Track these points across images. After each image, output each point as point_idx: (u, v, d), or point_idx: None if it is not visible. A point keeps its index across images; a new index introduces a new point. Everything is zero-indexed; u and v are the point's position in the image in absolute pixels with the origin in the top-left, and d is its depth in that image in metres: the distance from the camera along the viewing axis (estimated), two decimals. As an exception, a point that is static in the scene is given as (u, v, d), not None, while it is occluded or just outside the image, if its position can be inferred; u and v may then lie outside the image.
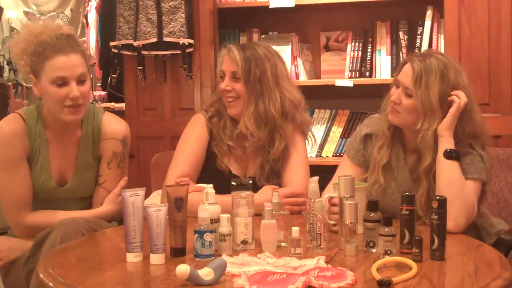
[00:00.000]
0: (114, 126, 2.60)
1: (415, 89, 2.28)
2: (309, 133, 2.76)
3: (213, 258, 1.84)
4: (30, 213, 2.47)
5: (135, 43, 3.73)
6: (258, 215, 2.02)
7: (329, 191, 2.27)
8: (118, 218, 2.56)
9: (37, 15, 6.23)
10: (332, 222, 2.11)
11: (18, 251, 2.45)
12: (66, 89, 2.37)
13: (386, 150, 2.41)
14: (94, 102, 4.80)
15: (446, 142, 2.26)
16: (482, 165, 2.29)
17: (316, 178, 2.06)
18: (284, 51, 3.69)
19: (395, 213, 2.02)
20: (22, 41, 2.45)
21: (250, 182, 2.10)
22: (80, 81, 2.40)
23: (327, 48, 3.86)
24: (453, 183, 2.20)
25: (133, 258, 1.87)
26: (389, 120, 2.37)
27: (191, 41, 3.69)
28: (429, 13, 3.49)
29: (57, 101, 2.39)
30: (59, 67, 2.36)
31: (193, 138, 2.64)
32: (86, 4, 6.06)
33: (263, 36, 3.86)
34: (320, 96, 3.72)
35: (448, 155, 2.24)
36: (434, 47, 3.45)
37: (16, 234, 2.52)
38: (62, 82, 2.37)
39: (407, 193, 1.93)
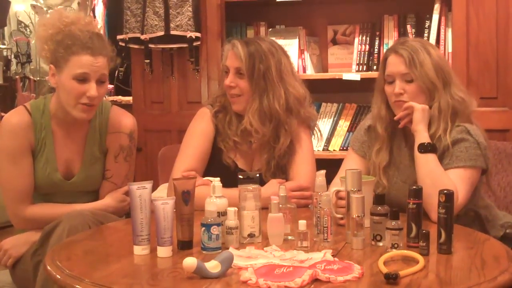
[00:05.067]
0: (121, 120, 2.60)
1: (412, 71, 2.33)
2: (315, 127, 2.76)
3: (220, 251, 1.84)
4: (30, 205, 2.49)
5: (142, 37, 3.73)
6: (265, 208, 2.02)
7: (336, 185, 2.27)
8: (119, 215, 2.56)
9: (45, 9, 6.23)
10: (339, 216, 2.10)
11: (24, 245, 2.46)
12: (85, 87, 2.38)
13: (385, 152, 2.43)
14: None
15: (420, 137, 2.30)
16: (479, 152, 2.29)
17: (323, 171, 2.06)
18: (291, 44, 3.69)
19: (399, 203, 2.02)
20: (51, 25, 2.47)
21: (257, 175, 2.10)
22: (100, 81, 2.41)
23: (334, 42, 3.85)
24: (429, 175, 2.23)
25: (140, 251, 1.87)
26: (398, 115, 2.37)
27: (198, 34, 3.69)
28: (437, 6, 3.48)
29: (73, 96, 2.39)
30: (84, 65, 2.37)
31: (199, 132, 2.63)
32: (93, -3, 6.06)
33: (270, 29, 3.85)
34: (327, 90, 3.71)
35: (424, 148, 2.28)
36: (442, 41, 3.44)
37: (14, 225, 2.55)
38: (83, 79, 2.38)
39: (414, 187, 1.93)
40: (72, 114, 2.43)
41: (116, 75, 4.94)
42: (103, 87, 2.44)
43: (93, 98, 2.39)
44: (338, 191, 2.14)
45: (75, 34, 2.41)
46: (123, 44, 3.84)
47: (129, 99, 4.55)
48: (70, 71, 2.38)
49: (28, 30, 6.73)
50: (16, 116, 2.49)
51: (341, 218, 2.10)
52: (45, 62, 2.52)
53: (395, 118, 2.39)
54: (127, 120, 2.62)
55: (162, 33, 3.70)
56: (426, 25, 3.51)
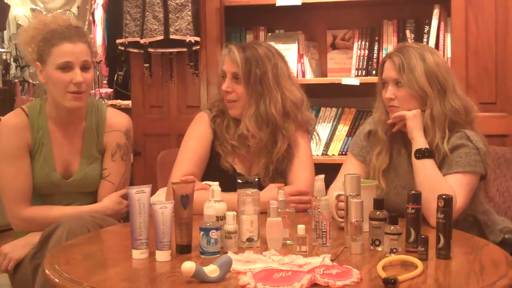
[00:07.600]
0: (117, 118, 2.66)
1: (401, 76, 2.34)
2: (313, 131, 2.76)
3: (219, 255, 1.84)
4: (28, 206, 2.50)
5: (142, 41, 3.73)
6: (263, 213, 2.02)
7: (334, 190, 2.27)
8: (116, 218, 2.57)
9: (44, 13, 6.24)
10: (341, 220, 2.10)
11: (24, 247, 2.46)
12: (70, 74, 2.43)
13: (385, 155, 2.43)
14: (100, 99, 4.81)
15: (417, 143, 2.31)
16: (478, 158, 2.29)
17: (322, 176, 2.06)
18: (291, 49, 3.70)
19: (398, 208, 2.02)
20: (31, 29, 2.53)
21: (256, 180, 2.10)
22: (84, 67, 2.46)
23: (333, 47, 3.86)
24: (426, 180, 2.24)
25: (138, 255, 1.87)
26: (391, 118, 2.38)
27: (197, 38, 3.69)
28: (436, 11, 3.49)
29: (61, 86, 2.44)
30: (65, 52, 2.43)
31: (197, 136, 2.64)
32: (92, 1, 6.07)
33: (269, 34, 3.85)
34: (326, 95, 3.72)
35: (421, 154, 2.28)
36: (441, 46, 3.45)
37: (13, 226, 2.56)
38: (67, 67, 2.43)
39: (413, 192, 1.93)
40: (64, 105, 2.47)
41: (115, 79, 4.94)
42: (88, 74, 2.48)
43: (80, 84, 2.44)
44: (339, 195, 2.15)
45: (53, 28, 2.48)
46: (123, 48, 3.84)
47: (128, 103, 4.55)
48: (53, 62, 2.44)
49: (27, 33, 6.74)
50: (14, 118, 2.54)
51: (343, 221, 2.09)
52: (32, 64, 2.56)
53: (388, 122, 2.41)
54: (123, 119, 2.67)
55: (161, 37, 3.70)
56: (425, 30, 3.51)
